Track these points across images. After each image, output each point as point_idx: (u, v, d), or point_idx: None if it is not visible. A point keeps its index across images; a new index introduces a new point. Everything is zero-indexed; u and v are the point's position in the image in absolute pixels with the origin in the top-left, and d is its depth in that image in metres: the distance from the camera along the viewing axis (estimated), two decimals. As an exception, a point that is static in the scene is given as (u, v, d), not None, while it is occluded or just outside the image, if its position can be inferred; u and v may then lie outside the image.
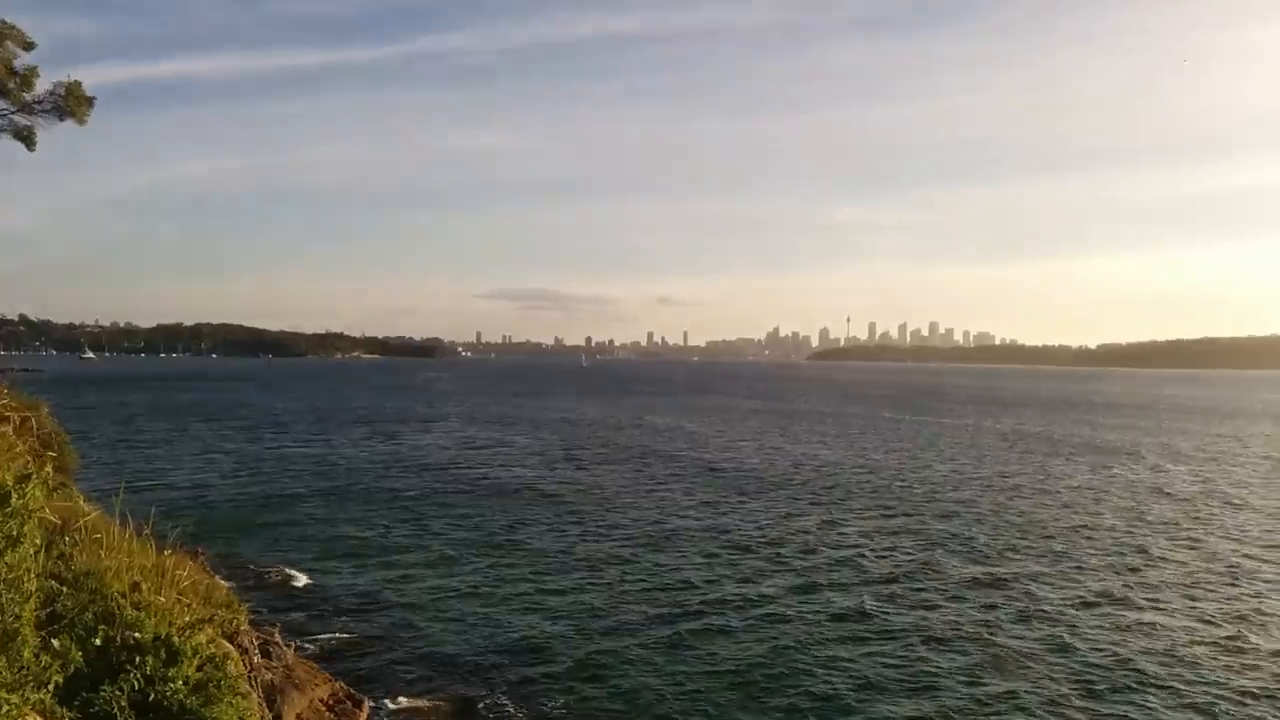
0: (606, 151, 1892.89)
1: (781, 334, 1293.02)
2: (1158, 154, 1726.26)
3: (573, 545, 38.41)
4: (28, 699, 6.63)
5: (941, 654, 24.98)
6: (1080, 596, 30.86)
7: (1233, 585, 32.76)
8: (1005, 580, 32.93)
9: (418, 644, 25.74)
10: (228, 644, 12.29)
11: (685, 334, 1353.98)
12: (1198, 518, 46.48)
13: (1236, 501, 51.96)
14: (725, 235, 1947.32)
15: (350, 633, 26.61)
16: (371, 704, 20.65)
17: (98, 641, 7.83)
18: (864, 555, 36.78)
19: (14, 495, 6.99)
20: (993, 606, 29.54)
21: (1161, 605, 30.00)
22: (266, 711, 15.41)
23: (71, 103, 20.21)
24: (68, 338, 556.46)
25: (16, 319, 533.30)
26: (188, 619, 9.27)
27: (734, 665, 24.08)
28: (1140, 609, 29.52)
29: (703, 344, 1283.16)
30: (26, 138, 20.29)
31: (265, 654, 18.12)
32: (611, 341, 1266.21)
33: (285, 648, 19.92)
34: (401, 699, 21.79)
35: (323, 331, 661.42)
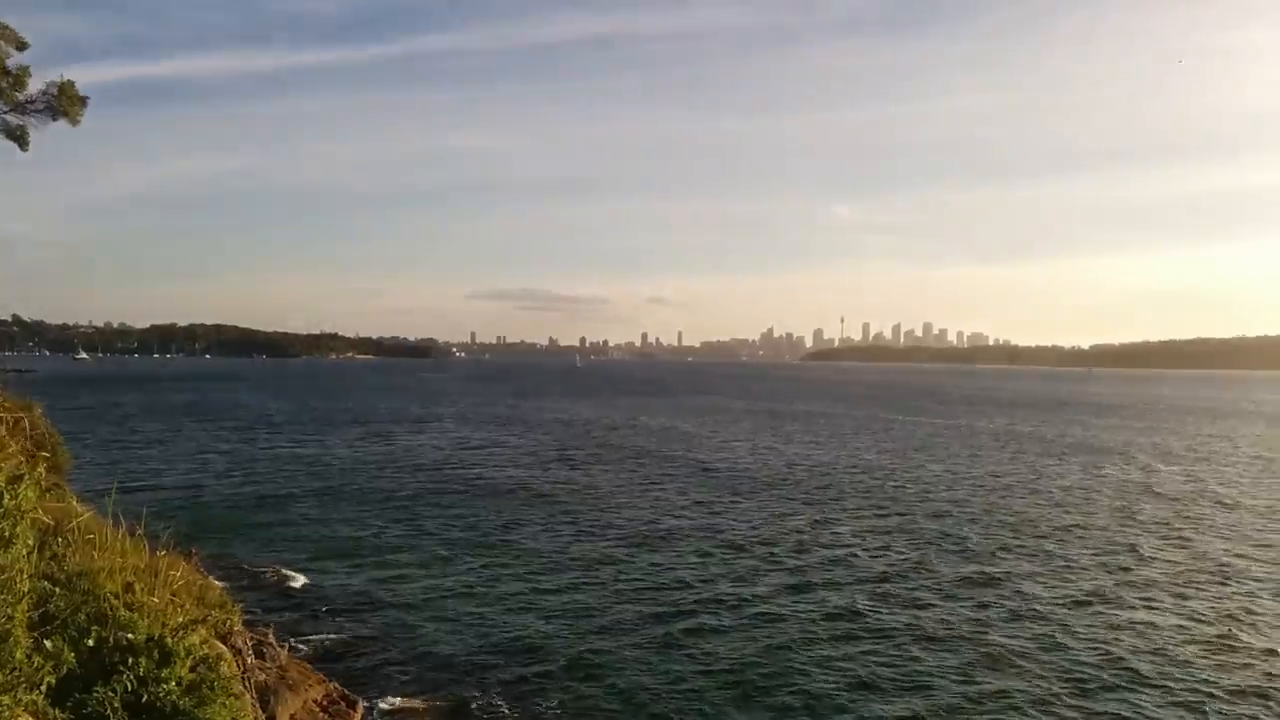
0: (600, 152, 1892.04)
1: (776, 334, 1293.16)
2: (1155, 155, 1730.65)
3: (567, 545, 38.43)
4: (20, 700, 6.63)
5: (934, 653, 25.06)
6: (1072, 595, 30.99)
7: (1223, 584, 32.92)
8: (998, 579, 33.05)
9: (412, 644, 25.73)
10: (221, 645, 12.29)
11: (680, 334, 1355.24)
12: (1189, 517, 46.68)
13: (1227, 501, 52.20)
14: (720, 235, 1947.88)
15: (344, 633, 26.59)
16: (365, 704, 20.64)
17: (90, 642, 7.84)
18: (857, 555, 36.87)
19: (6, 496, 6.99)
20: (985, 605, 29.64)
21: (1152, 604, 30.14)
22: (260, 712, 15.40)
23: (64, 102, 20.19)
24: (61, 338, 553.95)
25: (10, 319, 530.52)
26: (181, 620, 9.28)
27: (728, 664, 24.13)
28: (1132, 608, 29.65)
29: (697, 344, 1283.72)
30: (19, 138, 20.27)
31: (259, 654, 18.10)
32: (606, 342, 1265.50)
33: (279, 648, 19.90)
34: (396, 699, 21.78)
35: (317, 332, 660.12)
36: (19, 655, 6.84)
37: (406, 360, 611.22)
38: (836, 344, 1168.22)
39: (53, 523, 11.36)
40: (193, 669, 8.17)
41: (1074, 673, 23.61)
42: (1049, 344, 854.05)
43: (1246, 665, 24.31)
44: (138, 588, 9.80)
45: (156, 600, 9.80)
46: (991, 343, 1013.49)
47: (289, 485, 54.07)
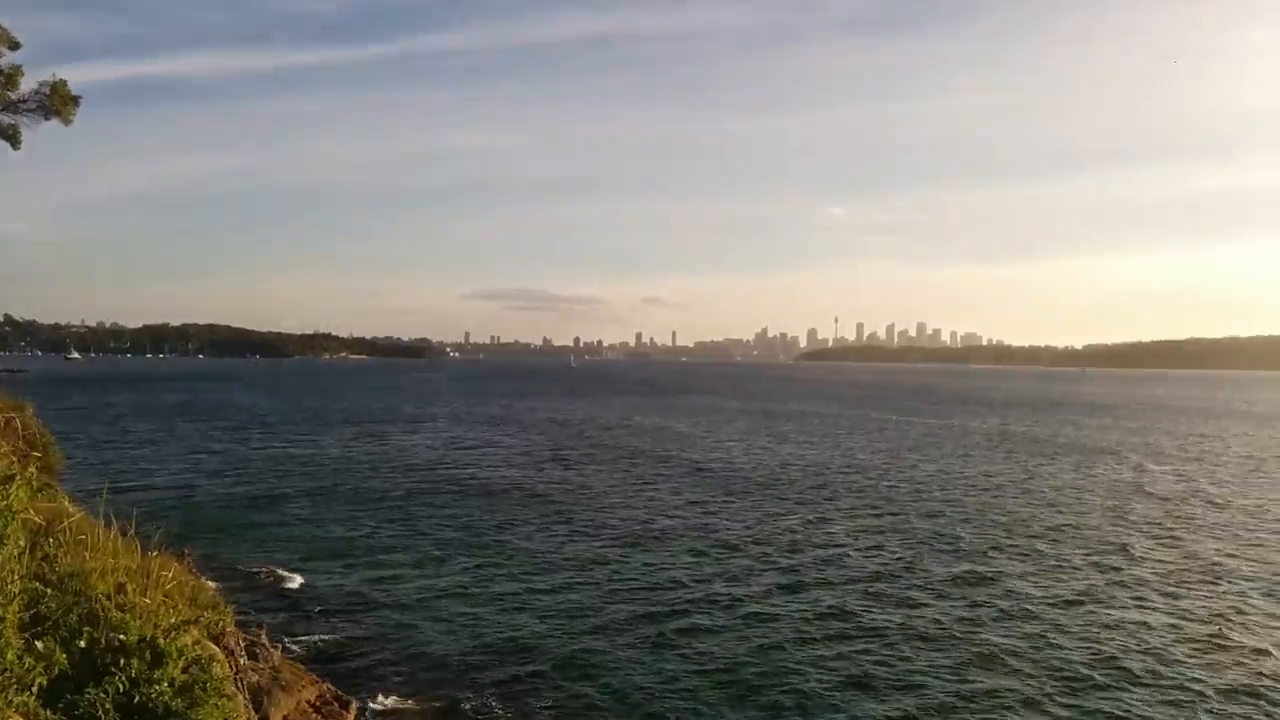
0: (598, 152, 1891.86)
1: (770, 334, 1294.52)
2: (1151, 155, 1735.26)
3: (560, 545, 38.42)
4: (11, 701, 6.62)
5: (927, 652, 25.13)
6: (1064, 595, 31.10)
7: (1214, 583, 33.07)
8: (990, 579, 33.15)
9: (405, 644, 25.71)
10: (213, 646, 12.27)
11: (674, 334, 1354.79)
12: (1180, 517, 46.88)
13: (1218, 501, 52.43)
14: (716, 236, 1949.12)
15: (338, 633, 26.55)
16: (359, 705, 20.62)
17: (82, 643, 7.82)
18: (850, 554, 36.94)
19: (-2, 497, 6.97)
20: (978, 604, 29.73)
21: (1144, 603, 30.26)
22: (253, 713, 15.38)
23: (56, 102, 20.14)
24: (53, 338, 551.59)
25: (2, 319, 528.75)
26: (173, 621, 9.26)
27: (721, 664, 24.17)
28: (1123, 607, 29.77)
29: (691, 344, 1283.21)
30: (11, 137, 20.22)
31: (252, 655, 18.07)
32: (600, 342, 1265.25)
33: (272, 649, 19.87)
34: (389, 699, 21.77)
35: (310, 332, 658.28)
36: (10, 656, 6.83)
37: (400, 360, 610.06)
38: (831, 344, 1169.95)
39: (44, 523, 11.33)
40: (185, 670, 8.16)
41: (1066, 671, 23.69)
42: (1043, 344, 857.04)
43: (1237, 664, 24.43)
44: (130, 589, 9.78)
45: (149, 601, 9.79)
46: (985, 343, 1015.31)
47: (282, 485, 53.95)
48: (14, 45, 19.73)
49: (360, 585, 31.76)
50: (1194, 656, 24.99)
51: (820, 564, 35.32)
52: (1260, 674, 23.66)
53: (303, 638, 25.85)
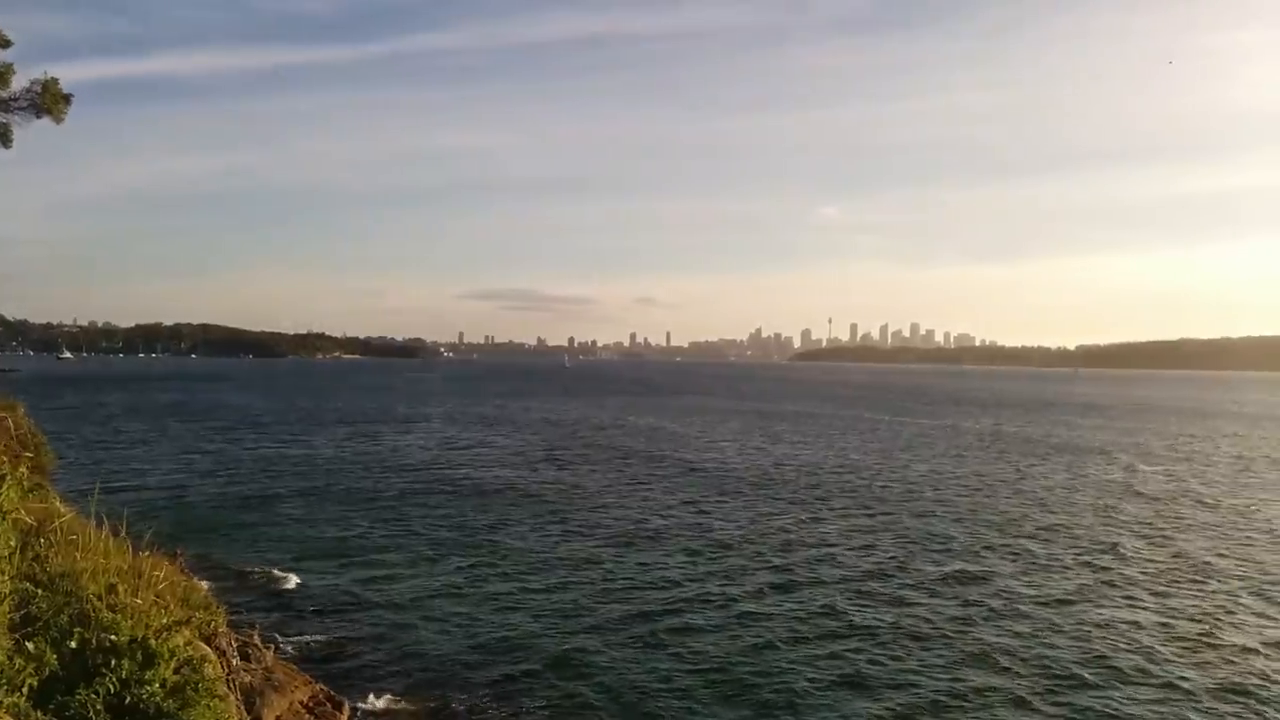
0: (588, 152, 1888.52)
1: (764, 335, 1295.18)
2: (1144, 156, 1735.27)
3: (554, 544, 38.42)
4: (1, 703, 6.60)
5: (918, 650, 25.21)
6: (1055, 594, 31.23)
7: (1203, 583, 33.24)
8: (981, 578, 33.26)
9: (399, 644, 25.68)
10: (205, 646, 12.25)
11: (668, 334, 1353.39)
12: (1170, 517, 47.10)
13: (1208, 501, 52.69)
14: (709, 236, 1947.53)
15: (331, 634, 26.51)
16: (352, 705, 20.58)
17: (73, 644, 7.80)
18: (843, 554, 37.02)
19: (-12, 497, 6.95)
20: (969, 604, 29.83)
21: (1134, 602, 30.40)
22: (245, 714, 15.35)
23: (48, 100, 20.06)
24: (45, 337, 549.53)
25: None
26: (165, 621, 9.24)
27: (715, 663, 24.20)
28: (1113, 606, 29.90)
29: (686, 344, 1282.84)
30: (2, 135, 20.12)
31: (244, 656, 18.03)
32: (594, 342, 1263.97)
33: (264, 649, 19.82)
34: (382, 700, 21.75)
35: (304, 331, 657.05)
36: (0, 657, 6.81)
37: (394, 360, 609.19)
38: (824, 344, 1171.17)
39: (35, 523, 11.29)
40: (177, 671, 8.14)
41: (1056, 670, 23.79)
42: (1035, 344, 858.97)
43: (1226, 663, 24.57)
44: (121, 589, 9.75)
45: (140, 602, 9.76)
46: (978, 343, 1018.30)
47: (275, 485, 53.83)
48: (5, 43, 19.65)
49: (354, 585, 31.70)
50: (1183, 655, 25.12)
51: (813, 563, 35.39)
52: (1249, 673, 23.80)
53: (296, 638, 25.80)
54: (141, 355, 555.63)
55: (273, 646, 21.61)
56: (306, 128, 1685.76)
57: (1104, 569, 35.04)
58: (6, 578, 7.21)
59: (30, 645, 7.34)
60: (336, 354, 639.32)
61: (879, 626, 27.39)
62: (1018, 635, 26.65)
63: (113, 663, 7.69)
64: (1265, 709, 21.51)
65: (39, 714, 6.99)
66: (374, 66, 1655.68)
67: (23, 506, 12.01)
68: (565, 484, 56.16)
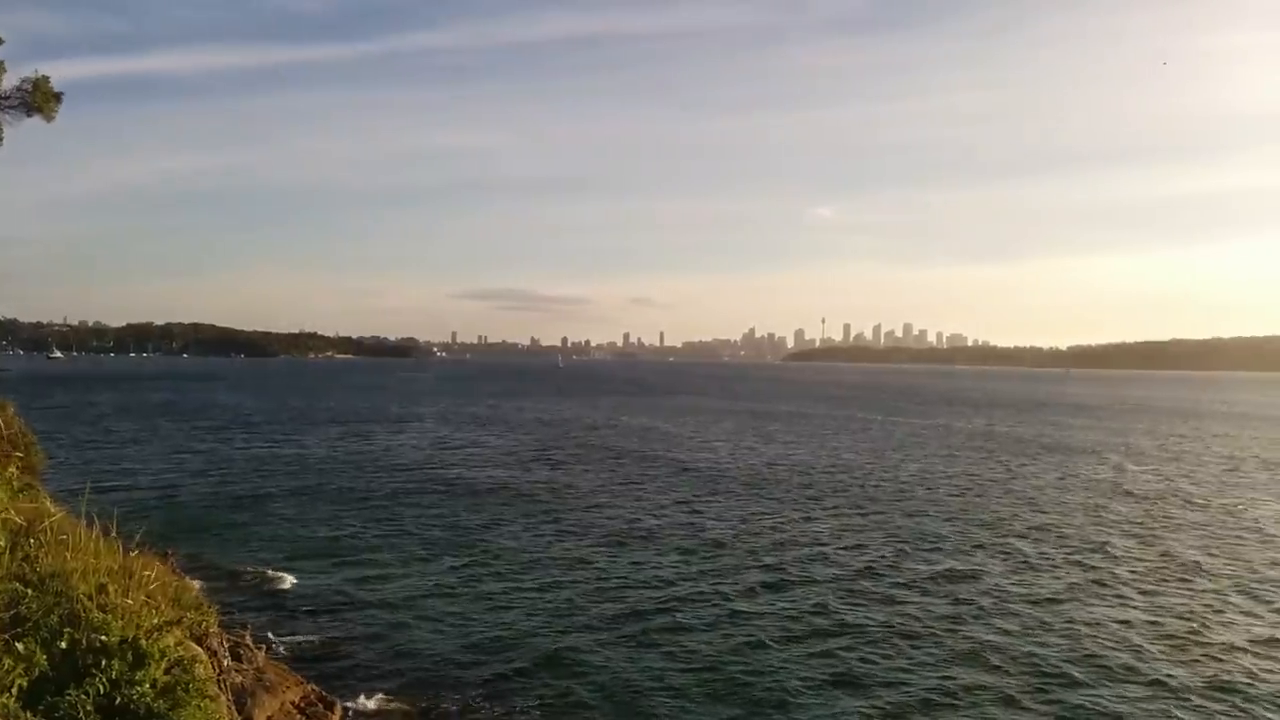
0: (582, 152, 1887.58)
1: (757, 335, 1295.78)
2: (1137, 157, 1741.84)
3: (547, 544, 38.41)
4: (-9, 702, 6.58)
5: (909, 649, 25.30)
6: (1044, 593, 31.38)
7: (1192, 581, 33.44)
8: (972, 577, 33.39)
9: (391, 644, 25.65)
10: (196, 646, 12.21)
11: (662, 334, 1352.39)
12: (1159, 516, 47.35)
13: (1197, 501, 52.99)
14: (702, 236, 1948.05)
15: (322, 634, 26.46)
16: (344, 705, 20.56)
17: (63, 644, 7.79)
18: (835, 553, 37.10)
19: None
20: (960, 602, 29.96)
21: (1123, 601, 30.58)
22: (236, 714, 15.32)
23: (39, 98, 19.95)
24: (35, 337, 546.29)
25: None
26: (155, 621, 9.22)
27: (707, 661, 24.27)
28: (1102, 605, 30.06)
29: (679, 345, 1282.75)
30: (-8, 134, 19.99)
31: (235, 656, 18.01)
32: (588, 342, 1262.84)
33: (256, 650, 19.80)
34: (374, 700, 21.72)
35: (296, 331, 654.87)
36: (-10, 658, 6.79)
37: (387, 360, 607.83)
38: (817, 345, 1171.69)
39: (25, 523, 11.26)
40: (167, 671, 8.13)
41: (1046, 668, 23.91)
42: (1028, 345, 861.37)
43: (1214, 660, 24.75)
44: (111, 589, 9.72)
45: (131, 602, 9.73)
46: (971, 343, 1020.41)
47: (267, 485, 53.68)
48: (-4, 41, 19.53)
49: (346, 585, 31.65)
50: (1172, 653, 25.28)
51: (805, 562, 35.47)
52: (1236, 670, 23.98)
53: (287, 638, 25.75)
54: (132, 355, 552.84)
55: (264, 647, 21.58)
56: (301, 127, 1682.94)
57: (1093, 568, 35.21)
58: (-4, 578, 7.18)
59: (20, 645, 7.33)
60: (329, 354, 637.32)
61: (870, 625, 27.47)
62: (1008, 634, 26.76)
63: (103, 663, 7.68)
64: (1252, 706, 21.66)
65: (28, 714, 6.98)
66: (369, 66, 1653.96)
67: (12, 506, 11.98)
68: (558, 483, 56.14)
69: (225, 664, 15.91)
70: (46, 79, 20.09)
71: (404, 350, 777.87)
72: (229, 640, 17.63)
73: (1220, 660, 24.80)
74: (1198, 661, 24.71)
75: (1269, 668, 24.27)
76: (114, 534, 12.52)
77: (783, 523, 43.82)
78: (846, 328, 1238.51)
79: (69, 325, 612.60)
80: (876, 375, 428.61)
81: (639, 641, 25.93)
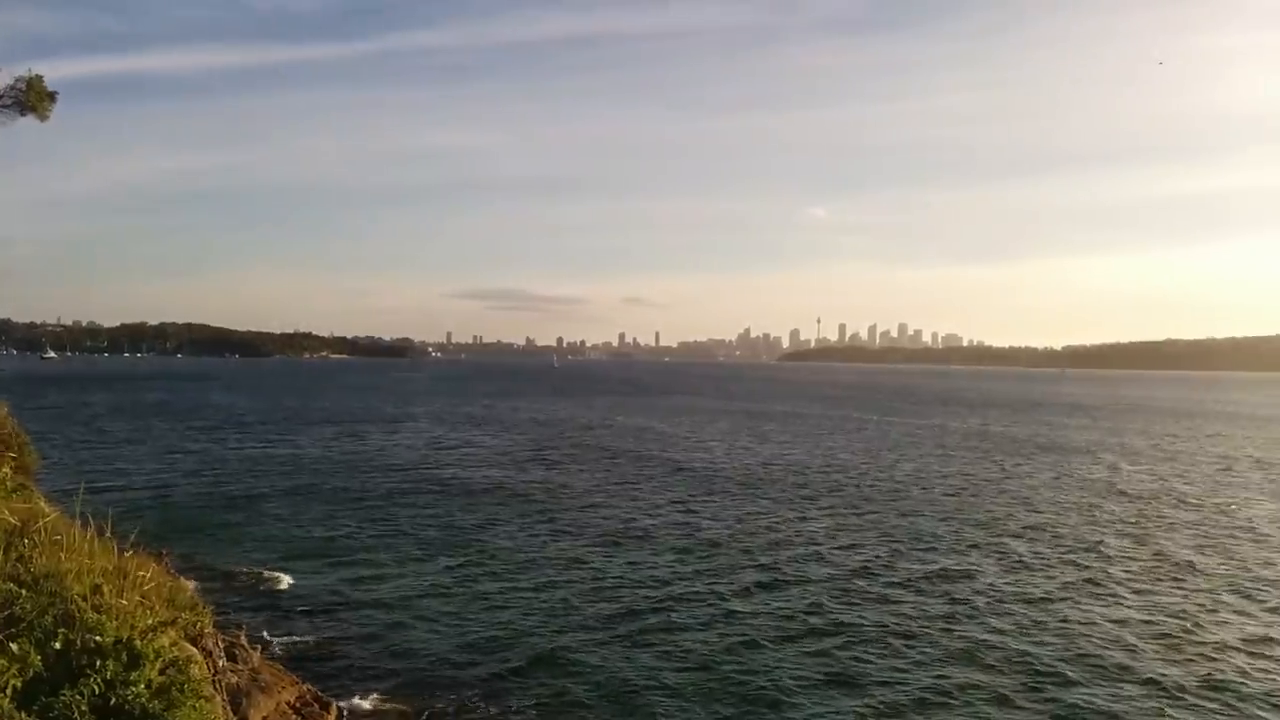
0: (576, 152, 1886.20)
1: (753, 335, 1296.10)
2: (1130, 157, 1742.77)
3: (542, 544, 38.41)
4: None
5: (903, 648, 25.36)
6: (1038, 592, 31.47)
7: (1185, 581, 33.57)
8: (966, 576, 33.46)
9: (387, 644, 25.63)
10: (191, 647, 12.19)
11: (657, 334, 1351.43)
12: (1152, 516, 47.50)
13: (1191, 500, 53.16)
14: (698, 236, 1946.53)
15: (318, 634, 26.43)
16: (339, 705, 20.54)
17: (57, 645, 7.78)
18: (830, 552, 37.16)
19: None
20: (955, 602, 30.04)
21: (1117, 600, 30.69)
22: (231, 715, 15.29)
23: (32, 97, 19.88)
24: (29, 336, 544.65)
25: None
26: (150, 622, 9.21)
27: (702, 660, 24.30)
28: (1096, 604, 30.16)
29: (674, 345, 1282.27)
30: (-15, 133, 19.92)
31: (230, 657, 17.97)
32: (583, 342, 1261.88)
33: (251, 650, 19.77)
34: (370, 700, 21.70)
35: (291, 331, 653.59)
36: (-16, 658, 6.77)
37: (382, 360, 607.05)
38: (813, 345, 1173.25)
39: (19, 523, 11.23)
40: (162, 671, 8.12)
41: (1039, 667, 23.98)
42: (1023, 345, 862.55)
43: (1207, 659, 24.85)
44: (106, 589, 9.71)
45: (125, 602, 9.71)
46: (966, 343, 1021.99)
47: (261, 485, 53.58)
48: (-11, 41, 19.48)
49: (341, 585, 31.62)
50: (1165, 652, 25.38)
51: (800, 562, 35.52)
52: (1230, 669, 24.08)
53: (283, 638, 25.71)
54: (126, 355, 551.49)
55: (260, 647, 21.54)
56: (296, 126, 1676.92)
57: (1087, 567, 35.31)
58: (-10, 578, 7.16)
59: (14, 646, 7.31)
60: (323, 354, 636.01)
61: (865, 624, 27.53)
62: (1002, 633, 26.83)
63: (97, 663, 7.67)
64: (1245, 705, 21.76)
65: (23, 715, 6.96)
66: (365, 65, 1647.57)
67: (6, 507, 11.95)
68: (553, 483, 56.13)
69: (220, 664, 15.88)
70: (40, 78, 20.01)
71: (399, 350, 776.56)
72: (224, 640, 17.59)
73: (1213, 659, 24.89)
74: (1191, 660, 24.80)
75: (1262, 666, 24.38)
76: (108, 534, 12.49)
77: (778, 522, 43.87)
78: (842, 328, 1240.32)
79: (63, 325, 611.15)
80: (872, 375, 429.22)
81: (634, 641, 25.94)
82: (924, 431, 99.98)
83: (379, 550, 36.89)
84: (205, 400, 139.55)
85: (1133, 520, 45.92)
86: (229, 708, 15.18)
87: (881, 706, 21.51)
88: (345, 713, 20.68)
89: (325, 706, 19.71)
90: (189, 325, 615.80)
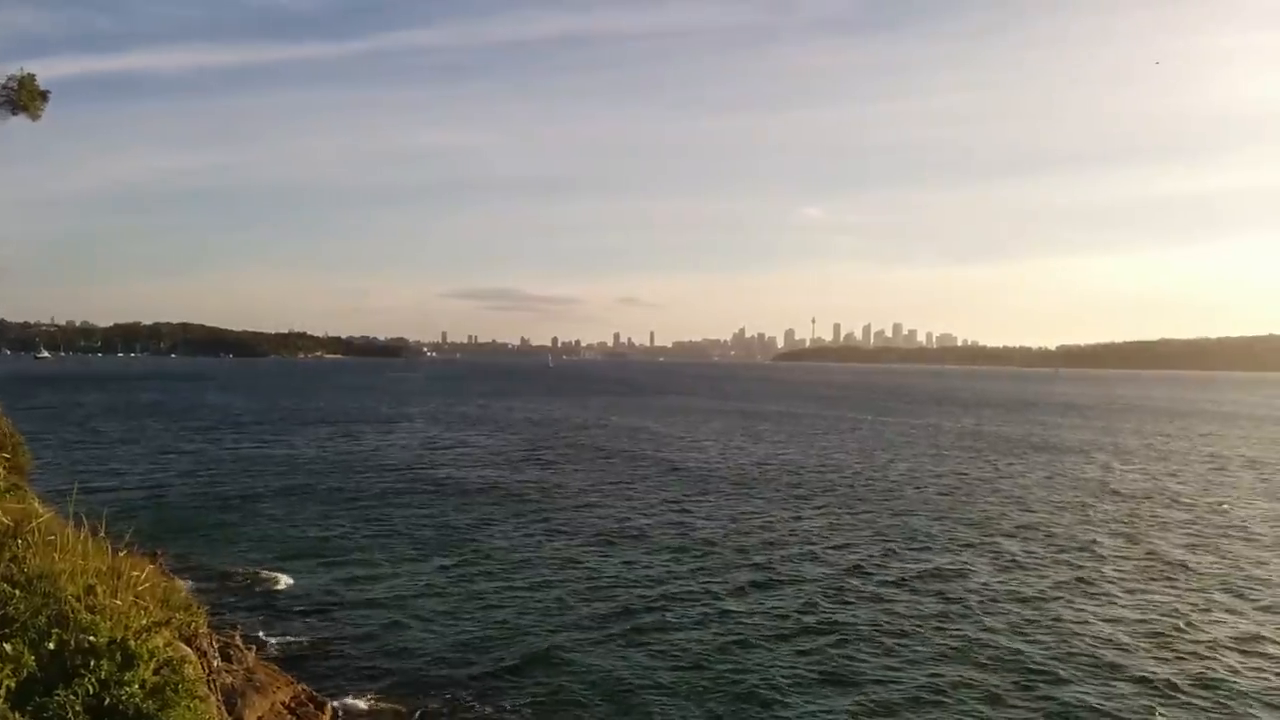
0: (571, 152, 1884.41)
1: (747, 335, 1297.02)
2: (1124, 157, 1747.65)
3: (537, 543, 38.41)
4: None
5: (897, 646, 25.46)
6: (1032, 591, 31.61)
7: (1177, 579, 33.75)
8: (960, 576, 33.57)
9: (381, 644, 25.63)
10: (186, 647, 12.18)
11: (652, 334, 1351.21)
12: (1145, 515, 47.70)
13: (1183, 499, 53.37)
14: (691, 235, 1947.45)
15: (313, 634, 26.41)
16: (334, 705, 20.53)
17: (51, 645, 7.76)
18: (825, 552, 37.24)
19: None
20: (948, 600, 30.15)
21: (1109, 599, 30.83)
22: (226, 715, 15.29)
23: (24, 96, 19.83)
24: (22, 337, 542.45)
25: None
26: (144, 622, 9.19)
27: (697, 660, 24.36)
28: (1089, 603, 30.29)
29: (669, 344, 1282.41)
30: (-22, 133, 19.86)
31: (225, 657, 17.96)
32: (578, 342, 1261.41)
33: (246, 650, 19.75)
34: (365, 699, 21.71)
35: (285, 331, 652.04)
36: (-22, 659, 6.77)
37: (377, 360, 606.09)
38: (807, 344, 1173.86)
39: (12, 524, 11.21)
40: (156, 672, 8.11)
41: (1032, 666, 24.09)
42: (1017, 344, 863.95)
43: (1198, 657, 25.00)
44: (100, 590, 9.70)
45: (119, 603, 9.71)
46: (960, 343, 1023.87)
47: (256, 485, 53.49)
48: (-19, 40, 19.42)
49: (336, 585, 31.59)
50: (1157, 650, 25.52)
51: (794, 561, 35.59)
52: (1221, 667, 24.23)
53: (278, 638, 25.70)
54: (120, 355, 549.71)
55: (254, 647, 21.53)
56: (291, 126, 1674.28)
57: (1080, 566, 35.44)
58: (-16, 579, 7.15)
59: (8, 646, 7.30)
60: (318, 354, 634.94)
61: (859, 623, 27.61)
62: (995, 632, 26.93)
63: (91, 664, 7.66)
64: (1234, 702, 21.90)
65: (16, 715, 6.96)
66: (358, 64, 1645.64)
67: (0, 507, 11.92)
68: (548, 483, 56.13)
69: (215, 664, 15.88)
70: (32, 77, 19.95)
71: (394, 350, 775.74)
72: (219, 641, 17.58)
73: (1205, 658, 25.01)
74: (1183, 659, 24.93)
75: (1253, 665, 24.53)
76: (102, 534, 12.47)
77: (772, 522, 43.93)
78: (836, 328, 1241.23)
79: (56, 325, 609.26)
80: (866, 375, 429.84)
81: (629, 640, 25.98)
82: (918, 431, 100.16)
83: (374, 550, 36.87)
84: (199, 400, 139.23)
85: (1125, 519, 46.08)
86: (224, 708, 15.17)
87: (875, 705, 21.58)
88: (340, 712, 20.68)
89: (320, 706, 19.71)
90: (183, 325, 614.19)
